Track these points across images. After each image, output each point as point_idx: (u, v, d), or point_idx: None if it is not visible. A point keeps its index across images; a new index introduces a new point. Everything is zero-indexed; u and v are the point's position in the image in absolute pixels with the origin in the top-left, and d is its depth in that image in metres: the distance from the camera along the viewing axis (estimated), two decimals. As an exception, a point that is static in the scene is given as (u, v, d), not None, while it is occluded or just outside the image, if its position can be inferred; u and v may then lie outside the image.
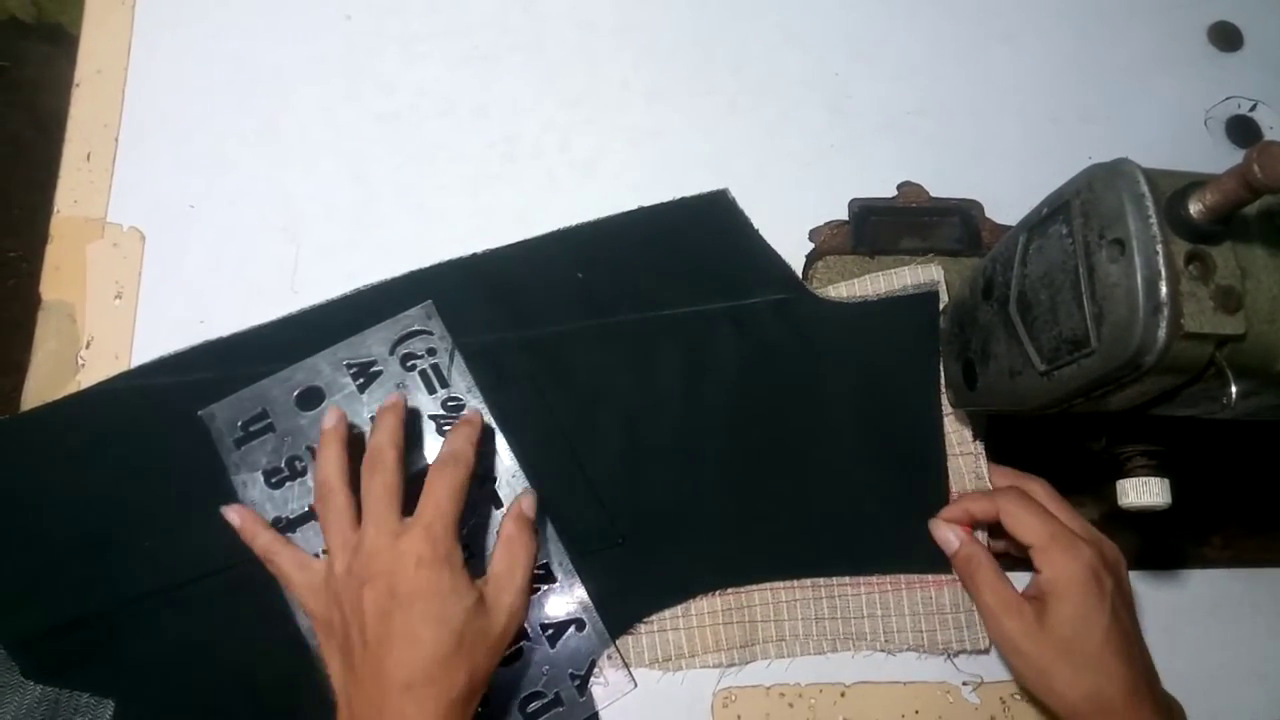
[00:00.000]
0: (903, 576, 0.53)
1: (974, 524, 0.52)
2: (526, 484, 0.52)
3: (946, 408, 0.54)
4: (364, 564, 0.44)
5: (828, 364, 0.56)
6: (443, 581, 0.44)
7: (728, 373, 0.55)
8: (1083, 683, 0.46)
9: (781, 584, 0.52)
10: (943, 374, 0.54)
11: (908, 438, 0.55)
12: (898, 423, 0.55)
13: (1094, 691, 0.46)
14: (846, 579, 0.52)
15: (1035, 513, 0.49)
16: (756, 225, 0.61)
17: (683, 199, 0.59)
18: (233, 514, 0.50)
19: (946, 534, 0.52)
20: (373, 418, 0.51)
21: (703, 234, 0.59)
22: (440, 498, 0.46)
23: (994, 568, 0.50)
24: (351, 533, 0.46)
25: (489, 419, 0.53)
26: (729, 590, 0.52)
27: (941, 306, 0.55)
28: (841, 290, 0.57)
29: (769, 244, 0.59)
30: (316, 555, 0.49)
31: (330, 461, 0.48)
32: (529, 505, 0.50)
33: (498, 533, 0.49)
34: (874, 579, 0.53)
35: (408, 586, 0.43)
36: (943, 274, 0.56)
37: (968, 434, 0.54)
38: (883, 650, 0.52)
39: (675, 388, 0.54)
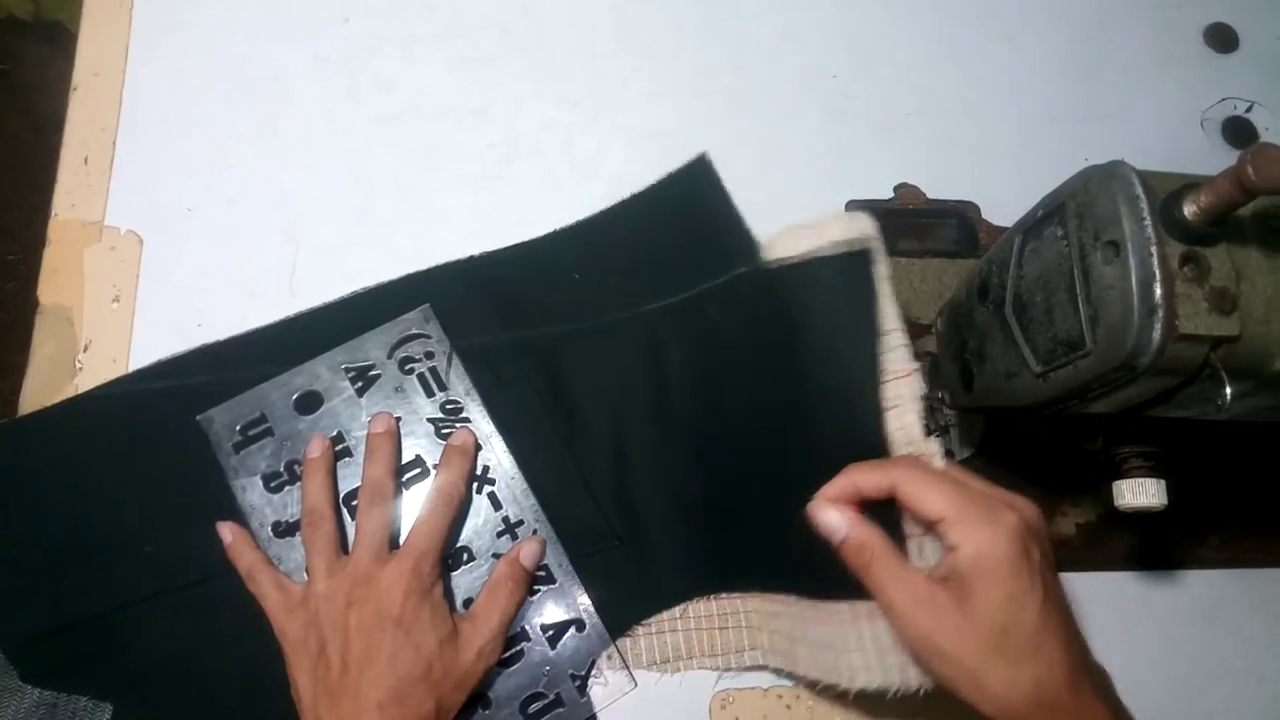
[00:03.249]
0: (862, 605, 0.45)
1: (864, 503, 0.44)
2: (526, 486, 0.52)
3: (896, 399, 0.47)
4: (351, 587, 0.47)
5: (773, 350, 0.50)
6: (423, 612, 0.46)
7: (705, 367, 0.54)
8: (1021, 679, 0.39)
9: (765, 595, 0.51)
10: (883, 357, 0.47)
11: (845, 441, 0.47)
12: (840, 420, 0.48)
13: (1034, 688, 0.39)
14: (810, 601, 0.48)
15: (939, 479, 0.42)
16: (755, 226, 0.61)
17: (667, 176, 0.59)
18: (225, 530, 0.51)
19: (830, 518, 0.43)
20: (370, 422, 0.51)
21: (685, 217, 0.58)
22: (430, 533, 0.49)
23: (894, 554, 0.42)
24: (335, 558, 0.48)
25: (486, 421, 0.53)
26: (724, 595, 0.52)
27: (939, 308, 0.56)
28: (768, 253, 0.50)
29: (737, 212, 0.58)
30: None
31: (317, 490, 0.50)
32: (529, 556, 0.51)
33: (492, 560, 0.51)
34: (839, 605, 0.46)
35: (394, 612, 0.46)
36: (876, 227, 0.48)
37: (917, 431, 0.46)
38: (846, 687, 0.45)
39: (665, 387, 0.54)
